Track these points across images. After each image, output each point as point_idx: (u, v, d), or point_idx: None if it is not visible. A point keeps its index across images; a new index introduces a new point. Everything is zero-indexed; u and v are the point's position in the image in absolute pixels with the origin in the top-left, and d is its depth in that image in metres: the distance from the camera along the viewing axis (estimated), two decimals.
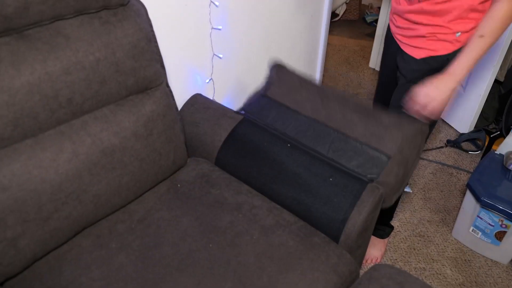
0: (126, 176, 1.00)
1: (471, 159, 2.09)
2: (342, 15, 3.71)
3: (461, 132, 2.25)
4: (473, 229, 1.57)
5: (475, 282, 1.49)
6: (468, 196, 1.54)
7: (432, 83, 1.09)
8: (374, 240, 1.57)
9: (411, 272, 1.51)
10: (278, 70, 1.32)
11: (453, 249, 1.62)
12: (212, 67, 1.46)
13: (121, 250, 0.94)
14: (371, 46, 3.03)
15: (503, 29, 1.00)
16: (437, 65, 1.12)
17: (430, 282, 1.48)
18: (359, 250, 1.06)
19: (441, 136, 2.25)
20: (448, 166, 2.04)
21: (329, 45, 3.27)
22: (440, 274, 1.51)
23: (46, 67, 0.83)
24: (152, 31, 1.05)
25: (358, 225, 1.01)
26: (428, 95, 1.09)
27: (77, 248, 0.95)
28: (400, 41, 1.21)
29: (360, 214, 1.01)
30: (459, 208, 1.73)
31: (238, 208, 1.06)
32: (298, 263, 0.93)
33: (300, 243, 0.98)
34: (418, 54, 1.15)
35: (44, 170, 0.85)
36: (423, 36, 1.11)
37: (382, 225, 1.54)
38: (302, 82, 1.25)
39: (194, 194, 1.10)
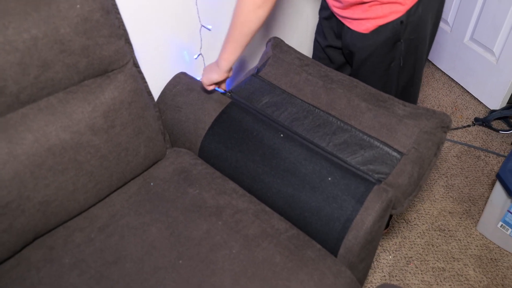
0: (83, 178, 0.84)
1: (502, 140, 1.84)
2: None
3: (491, 108, 1.99)
4: (502, 224, 1.36)
5: (502, 285, 1.31)
6: (498, 187, 1.33)
7: None
8: None
9: (428, 273, 1.34)
10: (274, 47, 1.11)
11: (477, 246, 1.42)
12: (201, 40, 1.26)
13: (74, 267, 0.79)
14: None
15: None
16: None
17: (450, 285, 1.30)
18: (362, 264, 0.88)
19: (468, 113, 2.00)
20: (475, 148, 1.81)
21: None
22: (462, 276, 1.33)
23: None
24: None
25: (361, 236, 0.83)
26: None
27: (25, 263, 0.80)
28: (339, 15, 1.02)
29: (364, 223, 0.83)
30: (487, 198, 1.53)
31: (219, 213, 0.90)
32: (284, 286, 0.77)
33: (289, 259, 0.81)
34: (366, 28, 0.96)
35: None
36: (363, 3, 0.92)
37: None
38: (303, 62, 1.05)
39: (168, 195, 0.94)
